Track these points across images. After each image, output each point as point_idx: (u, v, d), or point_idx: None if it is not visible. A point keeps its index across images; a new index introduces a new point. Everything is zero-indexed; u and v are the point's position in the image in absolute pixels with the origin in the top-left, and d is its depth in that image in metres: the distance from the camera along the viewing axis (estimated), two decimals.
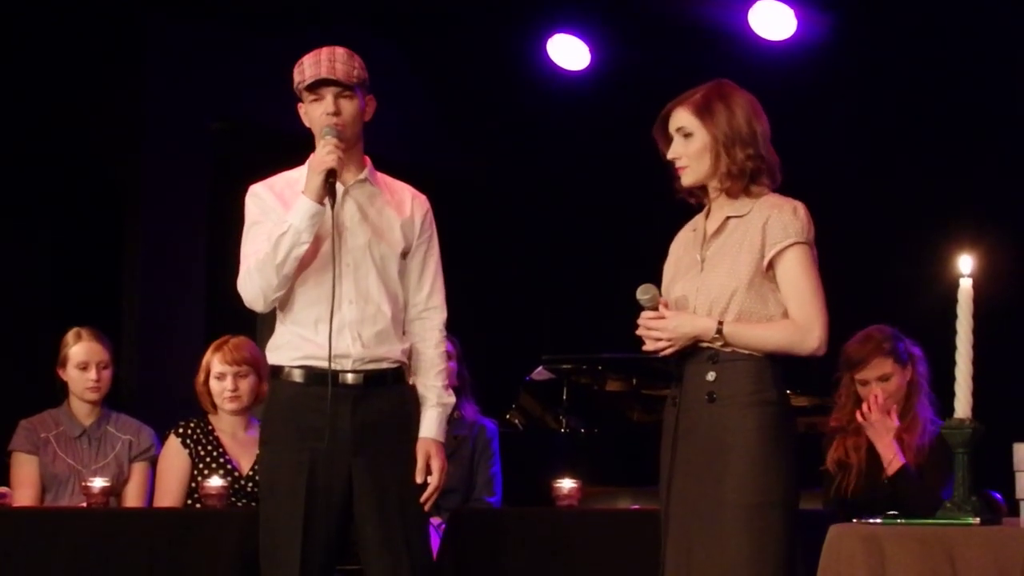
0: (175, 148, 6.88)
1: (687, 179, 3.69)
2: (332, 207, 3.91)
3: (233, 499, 4.73)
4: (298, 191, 3.94)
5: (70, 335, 5.03)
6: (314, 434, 3.89)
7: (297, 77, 4.00)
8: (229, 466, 4.90)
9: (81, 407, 5.01)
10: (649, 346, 3.65)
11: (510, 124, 8.21)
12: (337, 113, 3.95)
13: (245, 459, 4.94)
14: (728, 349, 3.58)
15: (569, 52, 7.80)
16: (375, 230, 4.02)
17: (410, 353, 4.07)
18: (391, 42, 7.64)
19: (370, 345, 3.97)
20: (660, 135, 3.73)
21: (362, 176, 4.06)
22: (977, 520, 3.26)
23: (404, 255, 4.07)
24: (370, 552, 3.94)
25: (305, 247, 3.89)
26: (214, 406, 5.01)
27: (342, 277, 3.94)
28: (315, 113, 3.98)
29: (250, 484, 4.89)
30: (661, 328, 3.61)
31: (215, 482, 4.52)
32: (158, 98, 6.80)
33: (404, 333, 4.08)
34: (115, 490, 4.75)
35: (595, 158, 8.04)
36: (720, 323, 3.57)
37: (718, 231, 3.68)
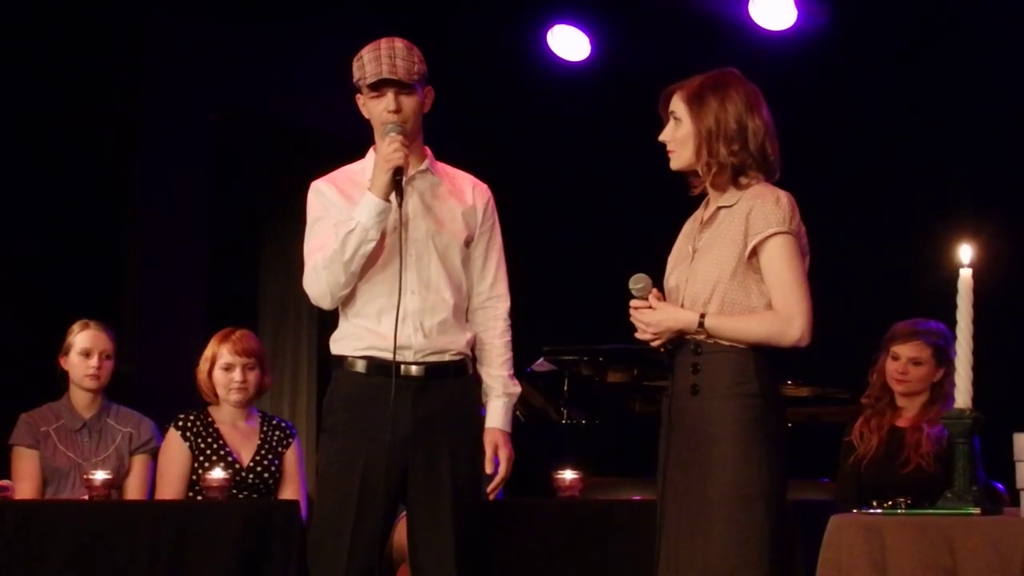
0: (175, 139, 6.87)
1: (673, 164, 3.73)
2: (400, 204, 3.89)
3: (234, 491, 4.73)
4: (360, 184, 3.94)
5: (77, 324, 5.06)
6: (375, 426, 3.87)
7: (357, 73, 3.97)
8: (230, 458, 4.90)
9: (81, 399, 5.01)
10: (639, 335, 3.68)
11: (510, 115, 8.20)
12: (398, 111, 3.93)
13: (245, 451, 4.95)
14: (710, 341, 3.58)
15: (569, 43, 7.80)
16: (437, 220, 4.00)
17: (474, 344, 4.06)
18: (390, 31, 7.62)
19: (432, 335, 3.94)
20: (663, 113, 3.76)
21: (423, 166, 4.04)
22: (978, 510, 3.26)
23: (467, 243, 4.05)
24: (417, 542, 3.94)
25: (373, 244, 3.87)
26: (216, 397, 5.01)
27: (406, 267, 3.91)
28: (376, 109, 3.96)
29: (251, 476, 4.89)
30: (647, 321, 3.63)
31: (216, 474, 4.52)
32: (158, 89, 6.78)
33: (467, 322, 4.06)
34: (116, 483, 4.76)
35: (595, 149, 8.03)
36: (702, 316, 3.57)
37: (709, 221, 3.69)
